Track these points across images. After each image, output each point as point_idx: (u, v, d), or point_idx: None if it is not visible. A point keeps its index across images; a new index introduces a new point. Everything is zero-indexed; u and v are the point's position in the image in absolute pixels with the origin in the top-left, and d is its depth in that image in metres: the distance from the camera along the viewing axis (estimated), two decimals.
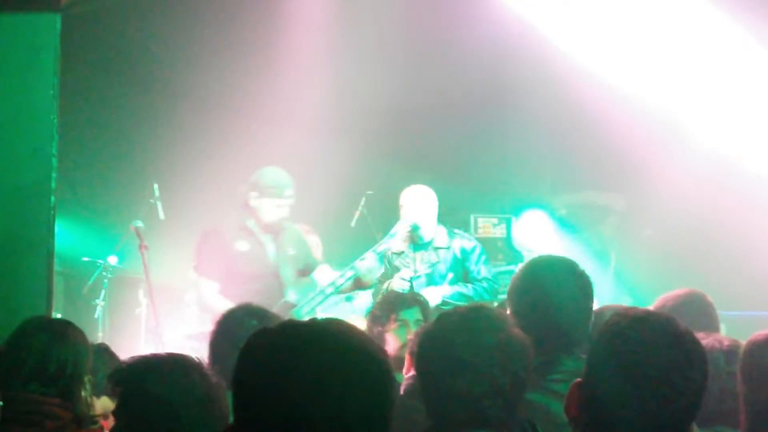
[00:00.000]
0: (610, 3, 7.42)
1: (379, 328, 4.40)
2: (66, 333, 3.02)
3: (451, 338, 2.36)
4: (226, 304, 5.12)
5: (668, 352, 1.96)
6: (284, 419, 1.40)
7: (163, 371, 2.31)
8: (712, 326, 3.80)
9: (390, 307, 4.49)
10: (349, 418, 1.40)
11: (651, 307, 3.87)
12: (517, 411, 2.37)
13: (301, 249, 5.87)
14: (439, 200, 6.30)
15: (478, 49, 8.09)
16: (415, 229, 5.95)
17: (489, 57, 8.24)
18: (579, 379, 2.05)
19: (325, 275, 5.83)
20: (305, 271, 5.88)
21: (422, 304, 4.60)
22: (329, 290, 5.55)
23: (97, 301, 7.17)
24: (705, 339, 3.04)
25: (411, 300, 4.63)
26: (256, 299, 4.10)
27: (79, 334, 3.07)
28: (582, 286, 2.97)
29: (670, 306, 3.87)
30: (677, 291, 4.01)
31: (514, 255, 7.98)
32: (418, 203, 6.07)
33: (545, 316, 2.86)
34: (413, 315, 4.45)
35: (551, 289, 2.89)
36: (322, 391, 1.40)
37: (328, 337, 1.47)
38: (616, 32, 7.54)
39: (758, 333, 2.74)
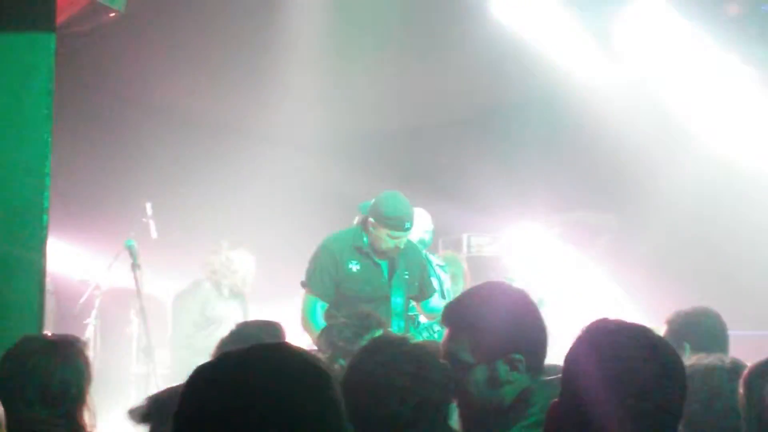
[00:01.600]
0: (601, 22, 7.47)
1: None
2: (68, 354, 3.00)
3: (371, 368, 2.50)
4: (320, 320, 5.22)
5: (645, 365, 1.92)
6: None
7: None
8: (722, 344, 3.82)
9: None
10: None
11: (664, 321, 3.91)
12: None
13: (417, 274, 5.64)
14: (434, 218, 6.32)
15: (471, 68, 8.11)
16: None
17: (481, 76, 8.26)
18: (556, 399, 1.98)
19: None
20: (421, 296, 5.68)
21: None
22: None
23: (89, 320, 7.14)
24: (707, 358, 3.05)
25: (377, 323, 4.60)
26: None
27: (81, 352, 3.05)
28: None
29: (681, 321, 3.90)
30: (691, 308, 4.05)
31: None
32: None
33: None
34: None
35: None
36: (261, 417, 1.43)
37: (265, 361, 1.50)
38: (607, 50, 7.58)
39: (756, 363, 2.74)
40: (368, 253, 5.44)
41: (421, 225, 6.16)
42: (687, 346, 3.87)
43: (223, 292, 7.02)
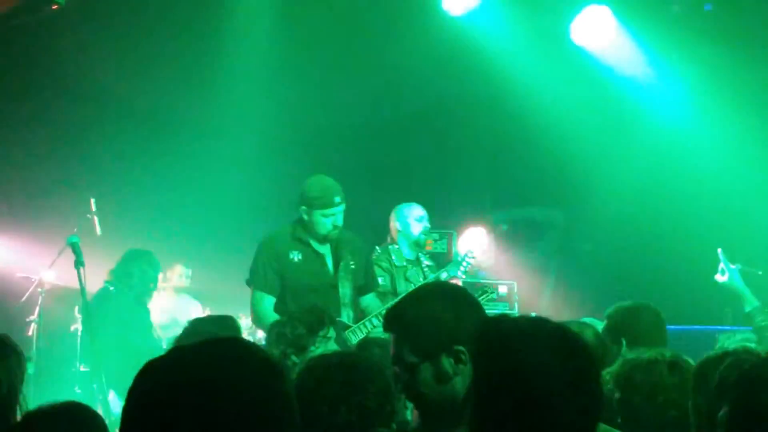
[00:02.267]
0: (550, 22, 7.54)
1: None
2: None
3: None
4: (274, 318, 5.15)
5: (555, 369, 1.93)
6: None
7: None
8: (660, 339, 3.86)
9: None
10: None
11: (603, 315, 3.95)
12: None
13: (362, 264, 5.69)
14: (380, 216, 6.38)
15: (420, 66, 8.13)
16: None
17: (429, 74, 8.28)
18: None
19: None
20: (363, 289, 5.71)
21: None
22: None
23: (31, 317, 7.00)
24: (648, 352, 3.10)
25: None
26: None
27: (11, 350, 2.98)
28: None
29: (619, 316, 3.94)
30: (631, 303, 4.09)
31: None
32: None
33: None
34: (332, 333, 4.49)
35: None
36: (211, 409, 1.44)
37: (216, 354, 1.51)
38: (554, 50, 7.66)
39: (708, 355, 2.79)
40: (308, 242, 5.51)
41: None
42: (624, 341, 3.91)
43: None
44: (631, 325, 3.92)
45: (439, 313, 2.62)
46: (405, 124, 8.78)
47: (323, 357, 2.99)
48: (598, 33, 7.68)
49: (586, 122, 7.79)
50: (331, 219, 5.44)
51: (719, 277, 5.28)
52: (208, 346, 1.54)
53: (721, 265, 5.26)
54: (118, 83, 7.96)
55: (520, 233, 9.10)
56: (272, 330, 4.28)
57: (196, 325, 3.66)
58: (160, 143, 8.02)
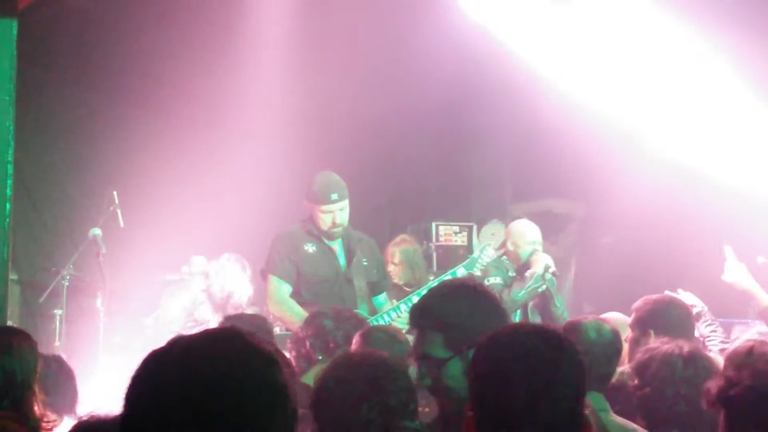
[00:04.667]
0: (568, 14, 7.49)
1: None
2: (10, 343, 2.96)
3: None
4: (297, 308, 5.35)
5: (539, 376, 1.97)
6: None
7: None
8: (687, 332, 3.87)
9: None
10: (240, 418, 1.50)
11: (632, 308, 3.96)
12: None
13: (375, 262, 5.82)
14: (401, 209, 6.37)
15: (440, 58, 8.11)
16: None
17: (450, 67, 8.27)
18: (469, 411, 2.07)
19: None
20: (376, 286, 5.80)
21: None
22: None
23: (56, 310, 7.07)
24: (667, 344, 3.09)
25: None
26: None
27: (26, 342, 3.01)
28: None
29: (648, 309, 3.95)
30: (659, 296, 4.10)
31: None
32: None
33: None
34: None
35: None
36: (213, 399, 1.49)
37: (218, 344, 1.57)
38: (573, 42, 7.61)
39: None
40: (319, 236, 5.60)
41: (527, 236, 6.43)
42: (651, 332, 3.92)
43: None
44: (659, 317, 3.94)
45: (468, 310, 2.70)
46: (425, 117, 8.78)
47: (346, 355, 3.05)
48: (619, 26, 7.62)
49: (607, 114, 7.75)
50: (329, 216, 5.50)
51: (727, 277, 5.18)
52: (207, 338, 1.60)
53: (729, 263, 5.17)
54: (141, 77, 8.00)
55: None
56: (313, 337, 4.32)
57: (231, 323, 3.69)
58: (182, 136, 8.05)
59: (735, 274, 5.09)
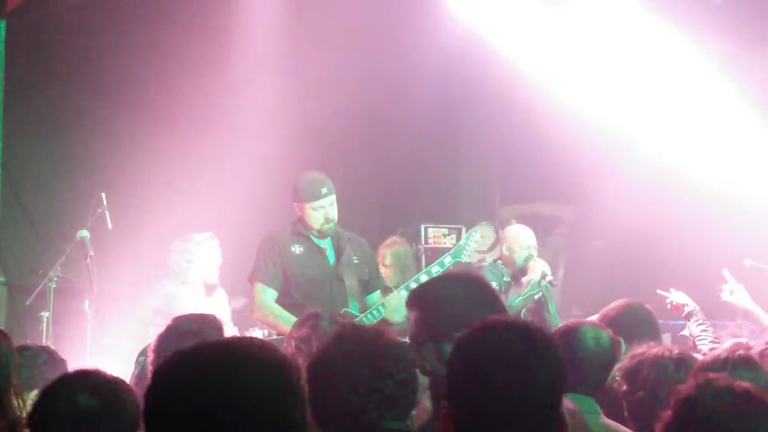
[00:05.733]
0: (557, 18, 7.50)
1: None
2: None
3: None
4: (281, 312, 5.33)
5: (508, 372, 1.95)
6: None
7: None
8: (653, 335, 3.88)
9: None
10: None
11: (594, 320, 3.97)
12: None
13: (366, 260, 5.78)
14: (390, 210, 6.36)
15: (429, 61, 8.12)
16: None
17: (439, 70, 8.28)
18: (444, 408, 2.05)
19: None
20: (368, 285, 5.75)
21: None
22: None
23: (43, 312, 7.03)
24: (655, 348, 3.10)
25: None
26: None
27: (1, 337, 3.00)
28: None
29: (611, 317, 3.96)
30: (617, 302, 4.12)
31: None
32: None
33: None
34: None
35: None
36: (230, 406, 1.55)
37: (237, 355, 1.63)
38: (563, 46, 7.63)
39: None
40: (308, 236, 5.58)
41: (522, 241, 6.48)
42: (621, 339, 3.93)
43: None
44: (625, 322, 3.95)
45: (456, 298, 2.73)
46: (414, 120, 8.79)
47: (356, 329, 2.86)
48: (607, 30, 7.65)
49: (594, 117, 7.77)
50: (321, 211, 5.50)
51: (726, 297, 5.28)
52: (227, 346, 1.68)
53: (727, 285, 5.26)
54: (129, 78, 7.98)
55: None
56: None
57: (179, 324, 3.63)
58: (170, 137, 8.03)
59: (735, 295, 5.21)
